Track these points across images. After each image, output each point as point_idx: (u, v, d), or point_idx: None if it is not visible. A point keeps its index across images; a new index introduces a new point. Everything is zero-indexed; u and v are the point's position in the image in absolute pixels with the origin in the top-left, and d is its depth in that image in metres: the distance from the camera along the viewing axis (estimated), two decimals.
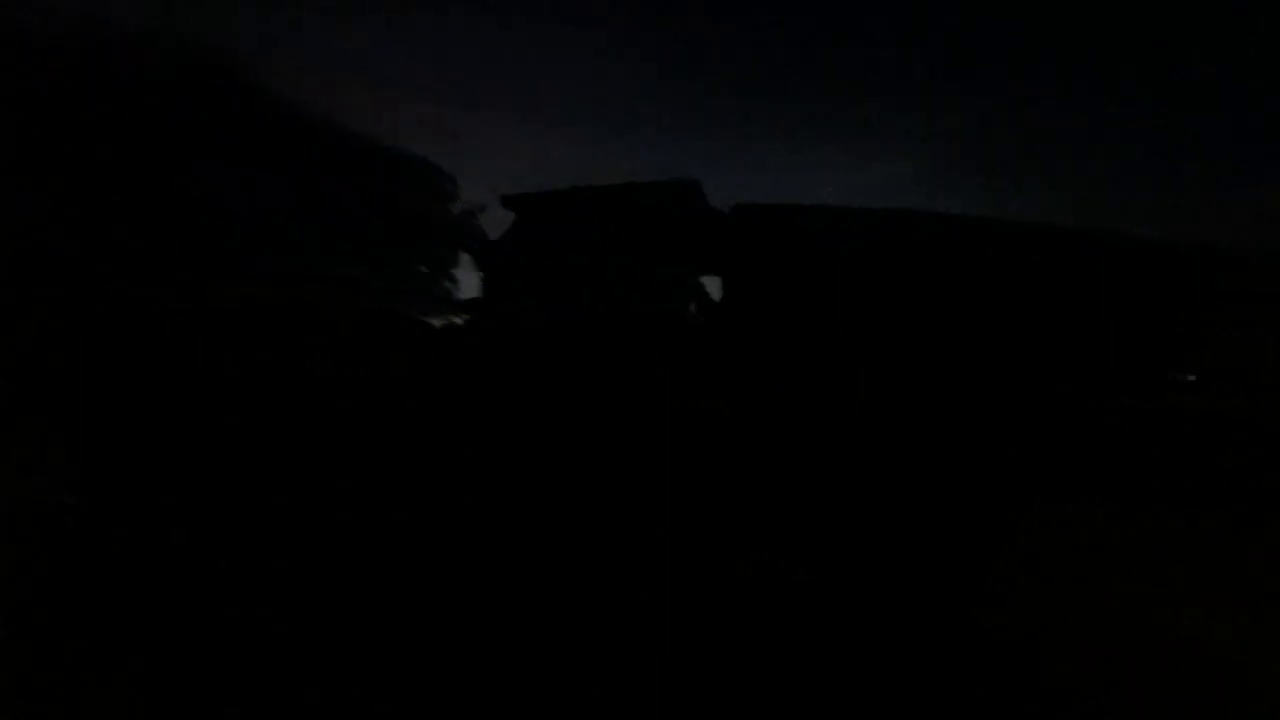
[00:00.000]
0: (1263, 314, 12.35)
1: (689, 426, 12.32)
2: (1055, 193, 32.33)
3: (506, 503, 8.09)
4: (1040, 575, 6.49)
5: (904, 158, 33.52)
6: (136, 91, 14.84)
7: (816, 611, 5.49)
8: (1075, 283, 12.50)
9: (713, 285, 15.44)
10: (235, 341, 13.41)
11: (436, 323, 23.52)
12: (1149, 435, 10.98)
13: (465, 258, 21.93)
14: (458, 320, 22.89)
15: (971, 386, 12.45)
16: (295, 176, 16.95)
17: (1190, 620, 4.99)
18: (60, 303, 11.60)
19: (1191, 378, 12.67)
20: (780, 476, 10.88)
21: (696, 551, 7.17)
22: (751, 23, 32.06)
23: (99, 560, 5.67)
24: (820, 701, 4.14)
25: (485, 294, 22.23)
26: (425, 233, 20.72)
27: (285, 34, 26.52)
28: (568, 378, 13.65)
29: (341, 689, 3.99)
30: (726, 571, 6.50)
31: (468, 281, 22.31)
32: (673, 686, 4.36)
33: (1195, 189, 29.98)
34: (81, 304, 11.86)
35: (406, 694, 4.01)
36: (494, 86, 33.24)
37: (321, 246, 19.86)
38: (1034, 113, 31.55)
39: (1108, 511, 8.72)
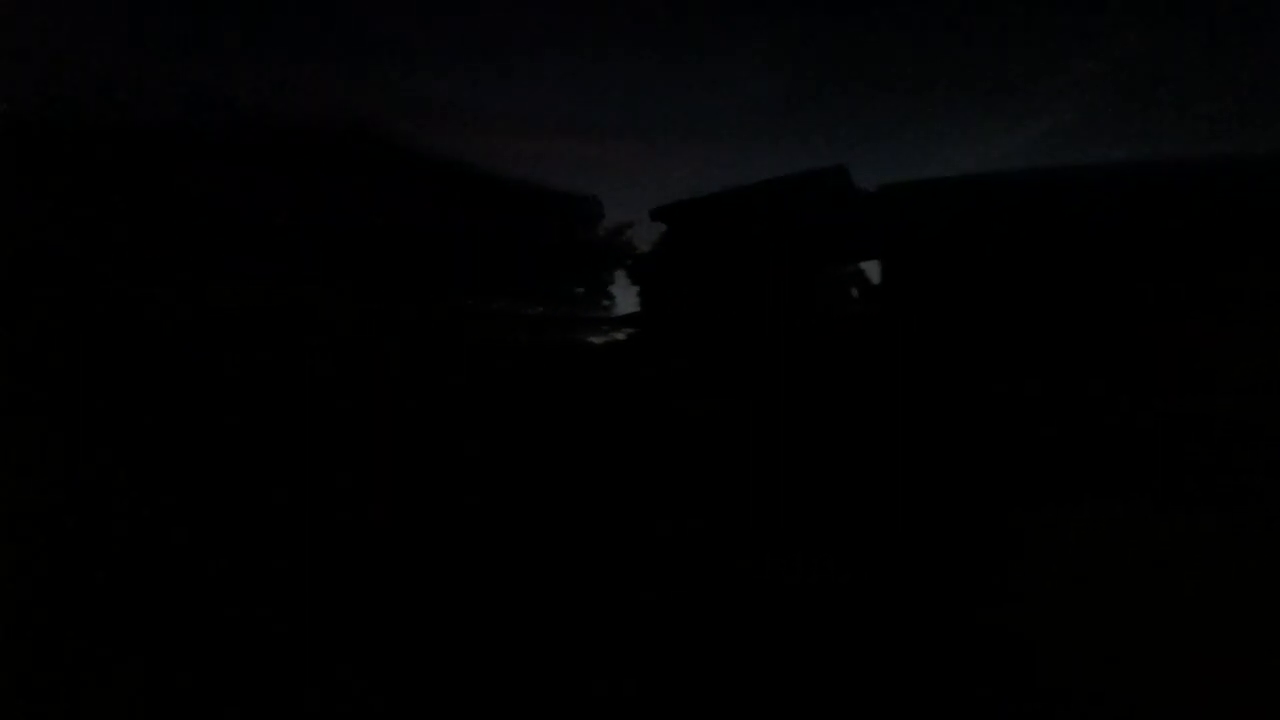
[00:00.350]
0: None
1: (871, 423, 11.60)
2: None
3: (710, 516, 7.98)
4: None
5: (1048, 112, 29.82)
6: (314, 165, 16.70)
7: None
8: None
9: (871, 272, 14.56)
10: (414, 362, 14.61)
11: (597, 340, 24.38)
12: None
13: (620, 274, 22.42)
14: (620, 336, 23.54)
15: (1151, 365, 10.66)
16: (441, 211, 18.30)
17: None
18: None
19: None
20: (972, 472, 9.90)
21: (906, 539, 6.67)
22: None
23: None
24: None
25: (643, 307, 22.66)
26: (578, 256, 21.46)
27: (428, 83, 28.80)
28: (750, 378, 13.44)
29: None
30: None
31: (625, 297, 22.78)
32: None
33: None
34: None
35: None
36: (626, 108, 33.94)
37: (477, 278, 21.20)
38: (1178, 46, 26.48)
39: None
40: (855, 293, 15.55)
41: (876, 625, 4.76)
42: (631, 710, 3.90)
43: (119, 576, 5.36)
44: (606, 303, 22.92)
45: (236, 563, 5.98)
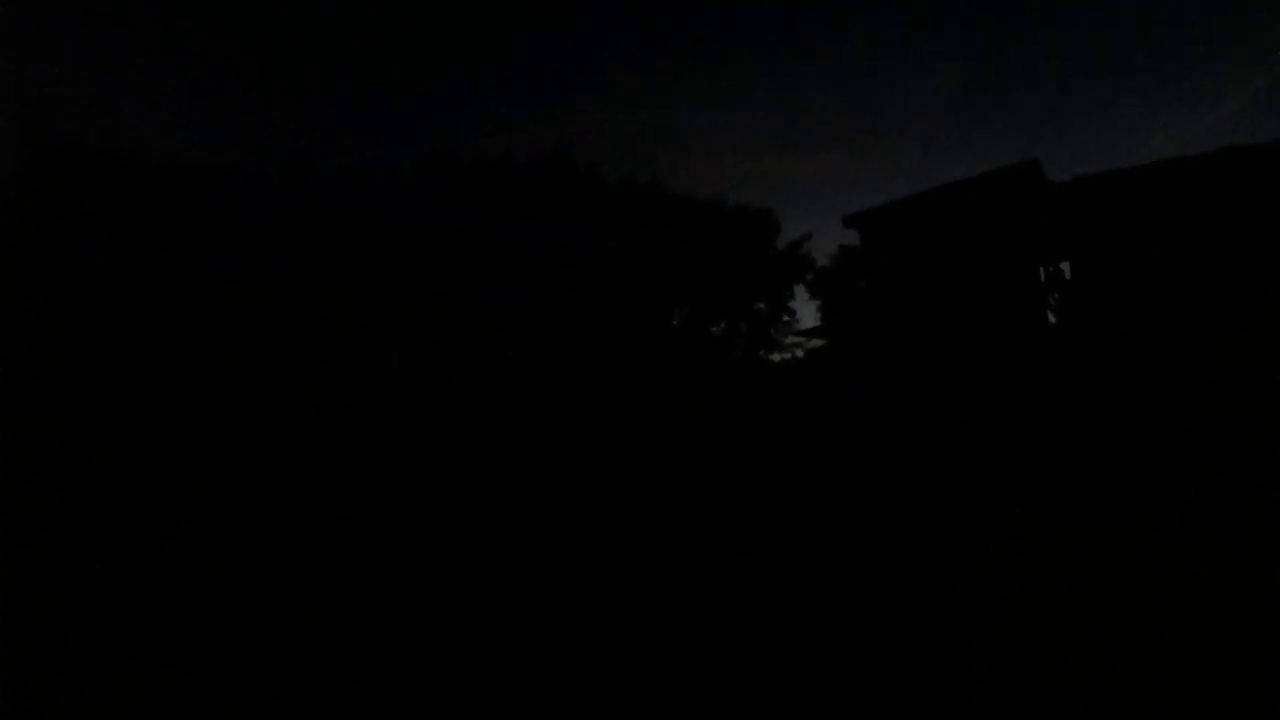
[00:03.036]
0: None
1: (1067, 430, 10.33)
2: None
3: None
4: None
5: (1231, 93, 24.65)
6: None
7: None
8: None
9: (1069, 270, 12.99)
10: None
11: (777, 357, 24.11)
12: None
13: (799, 289, 22.09)
14: (799, 352, 23.12)
15: None
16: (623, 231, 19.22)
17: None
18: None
19: None
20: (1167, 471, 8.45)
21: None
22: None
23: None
24: None
25: (823, 319, 22.08)
26: (756, 272, 21.46)
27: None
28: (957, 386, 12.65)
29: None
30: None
31: (805, 310, 22.41)
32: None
33: None
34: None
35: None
36: (801, 124, 33.47)
37: (657, 296, 21.89)
38: None
39: None
40: (1055, 296, 14.04)
41: None
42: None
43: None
44: (787, 318, 22.63)
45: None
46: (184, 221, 13.55)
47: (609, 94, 30.06)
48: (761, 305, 22.74)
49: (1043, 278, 12.48)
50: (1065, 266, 12.53)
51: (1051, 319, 12.75)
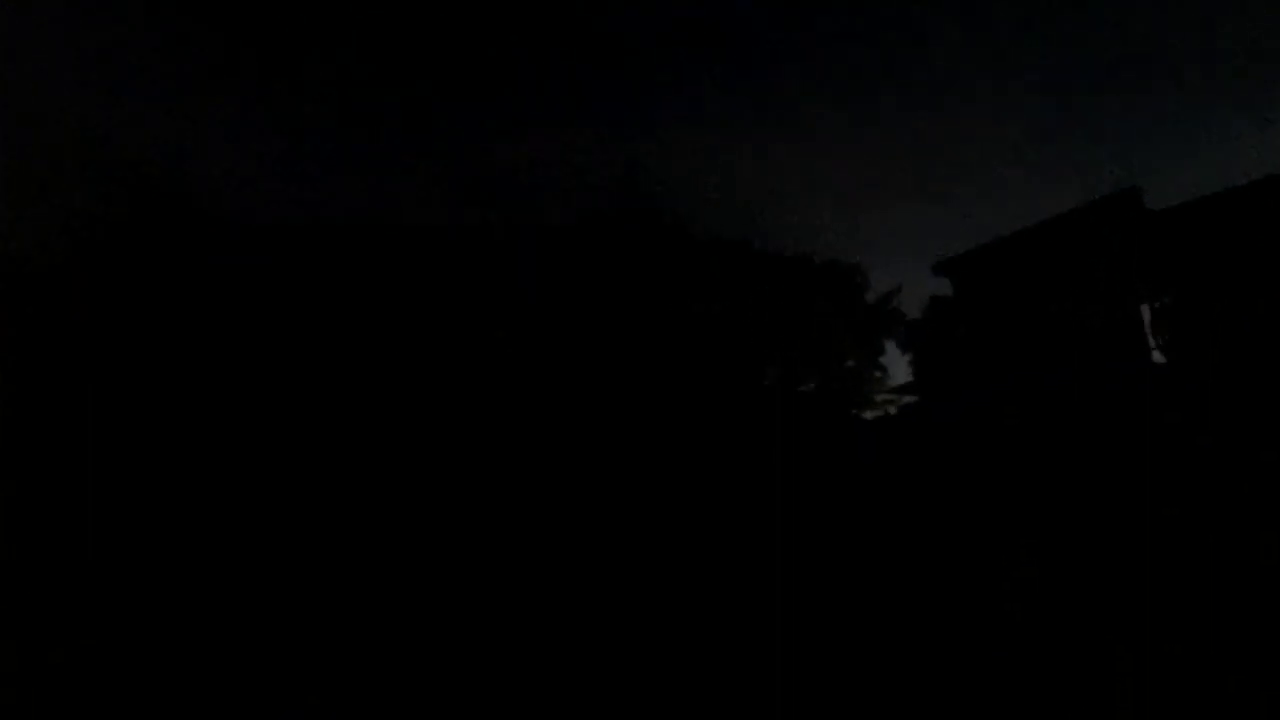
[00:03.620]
0: None
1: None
2: None
3: None
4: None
5: None
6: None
7: None
8: None
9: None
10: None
11: (869, 415, 23.40)
12: None
13: (890, 344, 21.68)
14: (892, 409, 22.37)
15: None
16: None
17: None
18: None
19: None
20: None
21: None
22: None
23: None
24: None
25: (916, 375, 21.41)
26: (846, 327, 21.28)
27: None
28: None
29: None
30: None
31: (897, 366, 21.86)
32: None
33: None
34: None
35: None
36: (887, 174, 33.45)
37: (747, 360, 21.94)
38: None
39: None
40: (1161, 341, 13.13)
41: None
42: None
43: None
44: (879, 374, 22.14)
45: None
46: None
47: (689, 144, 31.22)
48: (851, 363, 22.39)
49: (1148, 315, 11.72)
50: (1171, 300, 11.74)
51: (1159, 358, 11.87)
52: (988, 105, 29.76)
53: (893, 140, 31.58)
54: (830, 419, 23.54)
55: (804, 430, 20.96)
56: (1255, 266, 10.32)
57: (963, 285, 14.65)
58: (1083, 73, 29.90)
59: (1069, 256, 12.40)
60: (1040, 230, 12.73)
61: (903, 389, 20.35)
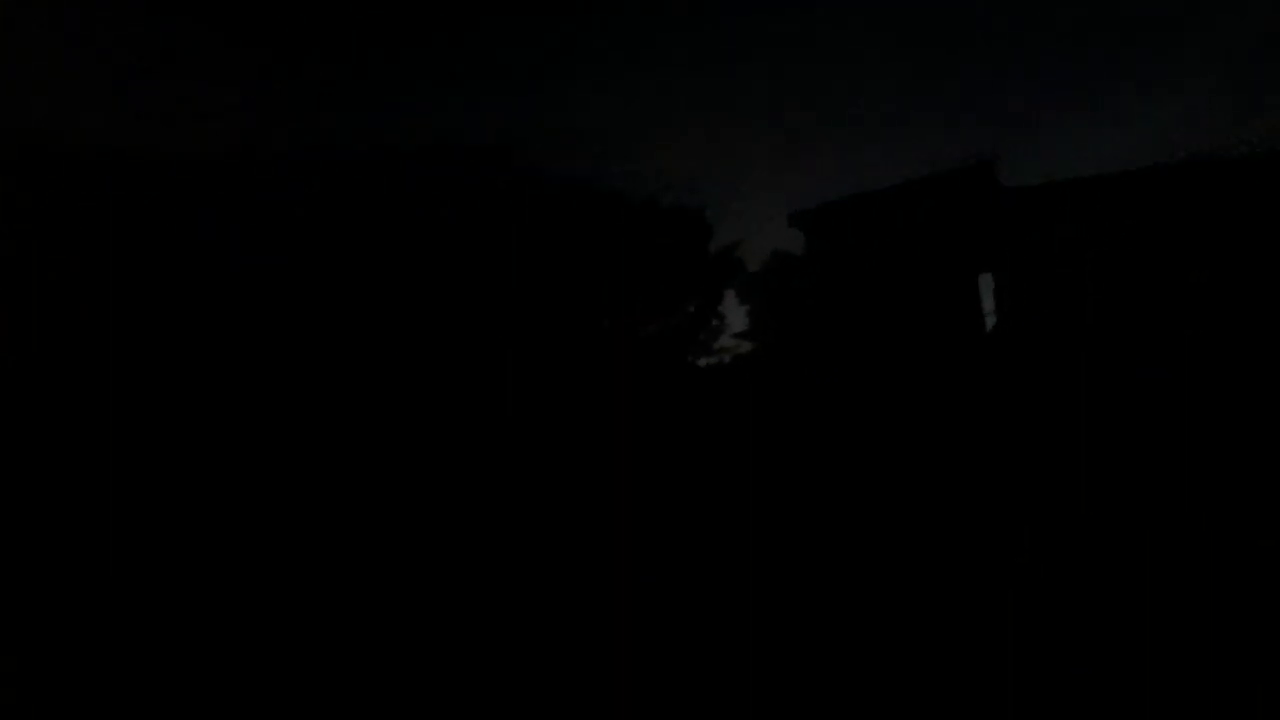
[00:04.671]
0: None
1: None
2: None
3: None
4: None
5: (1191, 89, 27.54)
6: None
7: None
8: None
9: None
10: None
11: (704, 362, 24.06)
12: None
13: (729, 294, 22.15)
14: (727, 358, 23.17)
15: None
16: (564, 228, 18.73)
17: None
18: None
19: None
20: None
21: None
22: None
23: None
24: None
25: (753, 325, 22.25)
26: (688, 274, 21.36)
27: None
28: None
29: None
30: None
31: (734, 315, 22.44)
32: None
33: None
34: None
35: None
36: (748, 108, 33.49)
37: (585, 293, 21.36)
38: None
39: None
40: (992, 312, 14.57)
41: None
42: None
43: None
44: (716, 322, 22.63)
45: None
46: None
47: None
48: (691, 309, 22.63)
49: (988, 287, 12.94)
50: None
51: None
52: (860, 48, 30.40)
53: (760, 100, 31.70)
54: (668, 365, 23.90)
55: (642, 376, 21.02)
56: (1093, 255, 11.62)
57: (813, 238, 15.11)
58: (964, 40, 31.57)
59: (917, 221, 13.20)
60: (893, 193, 13.39)
61: (740, 336, 21.02)
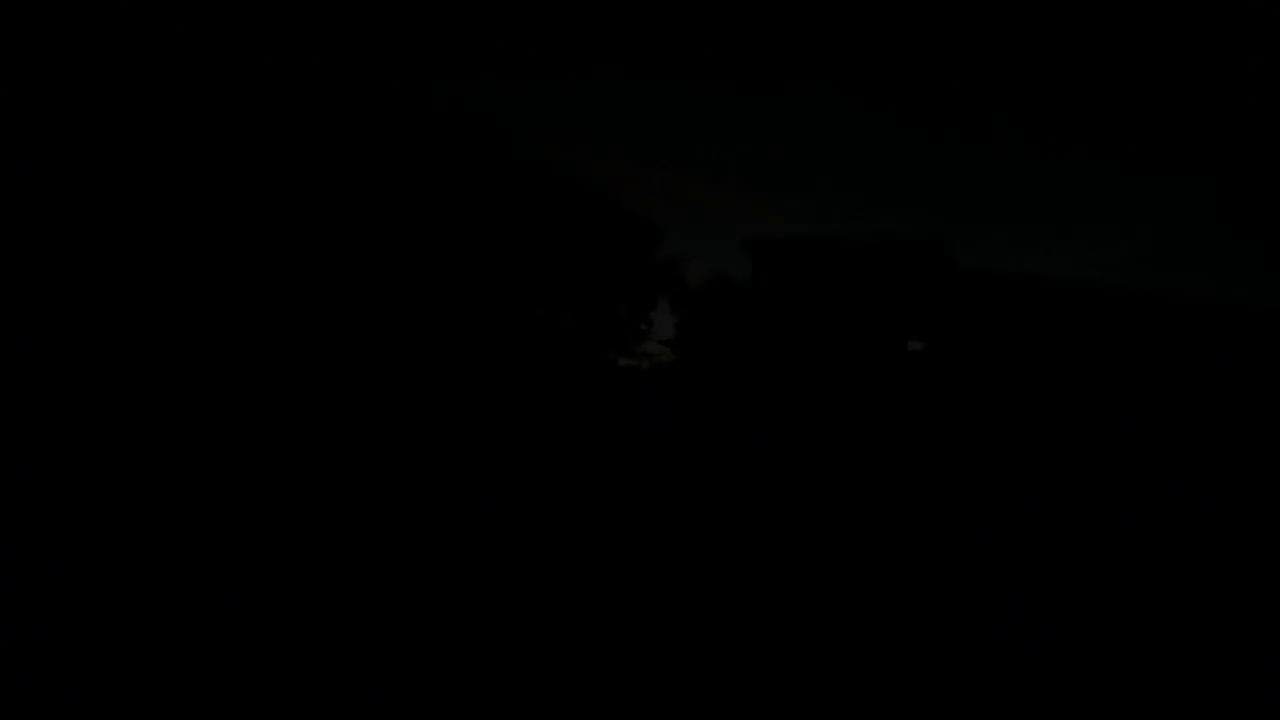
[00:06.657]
0: None
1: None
2: None
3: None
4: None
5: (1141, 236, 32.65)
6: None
7: None
8: None
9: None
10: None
11: (624, 362, 24.82)
12: None
13: (663, 303, 23.07)
14: (646, 365, 24.08)
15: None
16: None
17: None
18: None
19: None
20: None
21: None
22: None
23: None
24: None
25: (680, 335, 23.35)
26: (627, 278, 22.10)
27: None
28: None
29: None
30: None
31: (663, 323, 23.38)
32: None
33: None
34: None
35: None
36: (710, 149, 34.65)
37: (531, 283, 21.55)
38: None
39: None
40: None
41: None
42: None
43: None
44: (644, 326, 23.49)
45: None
46: None
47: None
48: (623, 309, 23.37)
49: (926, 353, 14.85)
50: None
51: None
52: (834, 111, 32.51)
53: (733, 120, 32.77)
54: (587, 360, 24.38)
55: (560, 367, 21.42)
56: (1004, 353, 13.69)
57: (763, 268, 16.44)
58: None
59: (866, 277, 14.89)
60: (850, 245, 14.99)
61: (665, 344, 22.00)
